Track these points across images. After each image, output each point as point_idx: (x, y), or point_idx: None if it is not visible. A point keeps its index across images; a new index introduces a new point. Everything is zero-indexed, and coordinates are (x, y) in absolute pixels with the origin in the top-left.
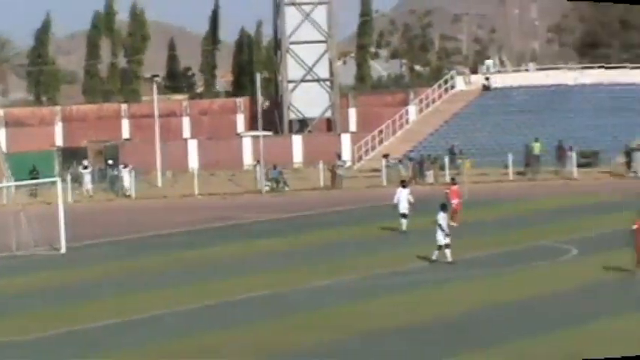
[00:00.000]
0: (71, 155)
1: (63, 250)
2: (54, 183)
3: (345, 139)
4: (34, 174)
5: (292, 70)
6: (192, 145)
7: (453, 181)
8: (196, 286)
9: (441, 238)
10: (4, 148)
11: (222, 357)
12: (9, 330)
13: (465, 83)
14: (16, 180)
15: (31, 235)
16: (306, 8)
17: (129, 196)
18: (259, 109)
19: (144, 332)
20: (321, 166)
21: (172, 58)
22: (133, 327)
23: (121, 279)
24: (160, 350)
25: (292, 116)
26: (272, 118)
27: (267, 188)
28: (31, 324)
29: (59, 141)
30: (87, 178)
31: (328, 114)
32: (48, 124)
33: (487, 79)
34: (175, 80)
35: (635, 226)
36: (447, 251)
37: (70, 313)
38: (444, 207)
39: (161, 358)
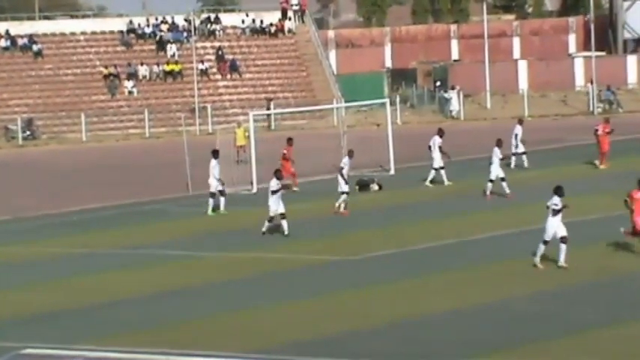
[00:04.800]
0: (400, 76)
1: (392, 171)
2: (383, 104)
3: None
4: None
5: None
6: (522, 66)
7: None
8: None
9: None
10: (334, 69)
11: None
12: (341, 250)
13: None
14: (346, 101)
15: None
16: None
17: (457, 118)
18: (592, 29)
19: (465, 254)
20: None
21: None
22: (452, 249)
23: (443, 202)
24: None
25: (627, 35)
26: (606, 38)
27: (599, 110)
28: (357, 246)
29: (388, 62)
30: (454, 100)
31: None
32: (377, 45)
33: None
34: None
35: None
36: None
37: (398, 234)
38: None
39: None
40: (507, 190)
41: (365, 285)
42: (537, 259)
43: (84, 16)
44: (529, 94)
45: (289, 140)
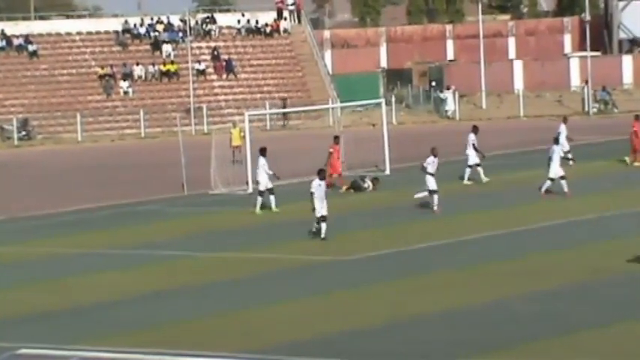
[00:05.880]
0: (395, 76)
1: (387, 171)
2: (378, 104)
3: None
4: None
5: None
6: (518, 66)
7: None
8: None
9: None
10: (329, 69)
11: (548, 278)
12: (336, 250)
13: None
14: (341, 101)
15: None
16: None
17: (452, 118)
18: (587, 29)
19: (469, 252)
20: None
21: None
22: (447, 249)
23: (440, 201)
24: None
25: (622, 35)
26: (601, 38)
27: (594, 110)
28: (353, 245)
29: (383, 62)
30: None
31: None
32: (373, 46)
33: None
34: None
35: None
36: None
37: (393, 234)
38: None
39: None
40: (566, 189)
41: (361, 285)
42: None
43: (79, 17)
44: (524, 94)
45: (336, 138)
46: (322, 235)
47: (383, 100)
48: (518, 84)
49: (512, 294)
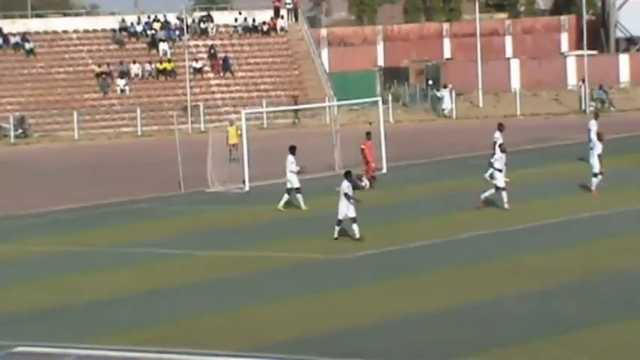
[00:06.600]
0: (392, 75)
1: (384, 170)
2: (375, 103)
3: None
4: None
5: None
6: (515, 65)
7: None
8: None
9: None
10: (326, 68)
11: (545, 276)
12: (332, 248)
13: None
14: (338, 99)
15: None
16: None
17: (449, 116)
18: (584, 28)
19: (466, 251)
20: None
21: None
22: (444, 248)
23: (435, 200)
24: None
25: (619, 34)
26: (598, 37)
27: (591, 108)
28: (350, 244)
29: (380, 61)
30: (446, 98)
31: None
32: (369, 44)
33: None
34: None
35: None
36: None
37: (390, 233)
38: None
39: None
40: (594, 187)
41: (357, 283)
42: None
43: (76, 15)
44: (521, 92)
45: (368, 134)
46: (356, 236)
47: (380, 99)
48: (515, 83)
49: (509, 293)
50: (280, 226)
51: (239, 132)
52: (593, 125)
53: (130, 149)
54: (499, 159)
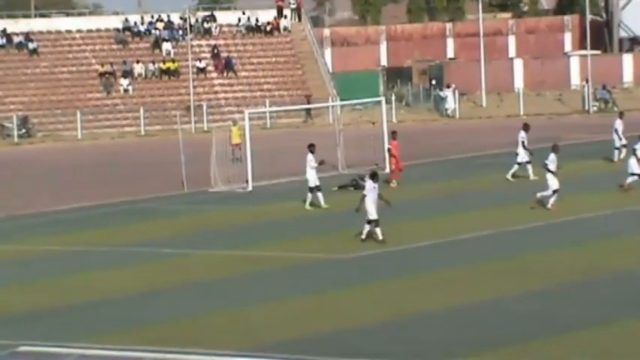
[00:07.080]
0: (395, 75)
1: (387, 169)
2: (378, 103)
3: None
4: None
5: None
6: (518, 65)
7: None
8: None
9: None
10: (329, 67)
11: (545, 276)
12: (332, 248)
13: None
14: (341, 99)
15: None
16: None
17: (452, 116)
18: (587, 28)
19: (467, 251)
20: None
21: None
22: (444, 248)
23: (437, 200)
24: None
25: (623, 34)
26: (601, 37)
27: (595, 108)
28: (351, 243)
29: (383, 60)
30: (449, 98)
31: None
32: (373, 44)
33: None
34: None
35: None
36: None
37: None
38: None
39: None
40: (626, 184)
41: (358, 283)
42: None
43: (79, 14)
44: (524, 92)
45: (393, 133)
46: (379, 237)
47: (383, 99)
48: (519, 82)
49: (509, 292)
50: (282, 226)
51: (241, 132)
52: (619, 125)
53: (133, 149)
54: (552, 160)
